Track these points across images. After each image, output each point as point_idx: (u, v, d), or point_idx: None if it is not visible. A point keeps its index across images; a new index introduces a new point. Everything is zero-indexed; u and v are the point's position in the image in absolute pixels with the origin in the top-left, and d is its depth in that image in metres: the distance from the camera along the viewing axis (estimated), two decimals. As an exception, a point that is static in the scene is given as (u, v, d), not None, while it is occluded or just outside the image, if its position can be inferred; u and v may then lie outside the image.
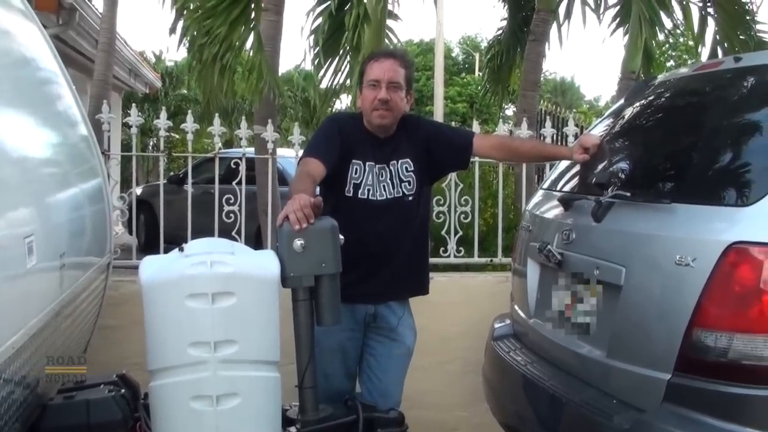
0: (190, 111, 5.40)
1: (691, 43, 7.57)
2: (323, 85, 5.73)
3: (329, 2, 5.61)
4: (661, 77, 3.28)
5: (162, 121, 4.76)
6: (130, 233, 7.59)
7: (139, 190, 11.82)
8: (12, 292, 2.05)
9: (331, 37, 5.55)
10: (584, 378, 2.70)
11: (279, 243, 2.70)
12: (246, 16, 5.32)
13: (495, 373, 3.31)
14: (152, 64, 19.95)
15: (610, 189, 2.68)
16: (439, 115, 18.87)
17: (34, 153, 2.68)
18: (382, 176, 3.22)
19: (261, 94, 5.23)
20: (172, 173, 11.68)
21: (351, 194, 3.19)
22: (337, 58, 5.57)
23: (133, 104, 5.90)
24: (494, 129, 5.84)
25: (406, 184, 3.25)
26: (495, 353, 3.31)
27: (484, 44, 25.90)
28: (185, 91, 22.30)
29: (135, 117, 4.71)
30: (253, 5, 5.38)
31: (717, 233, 2.25)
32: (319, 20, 5.73)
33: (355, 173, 3.19)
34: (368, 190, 3.21)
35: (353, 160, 3.19)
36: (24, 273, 2.11)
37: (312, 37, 5.73)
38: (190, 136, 4.92)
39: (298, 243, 2.64)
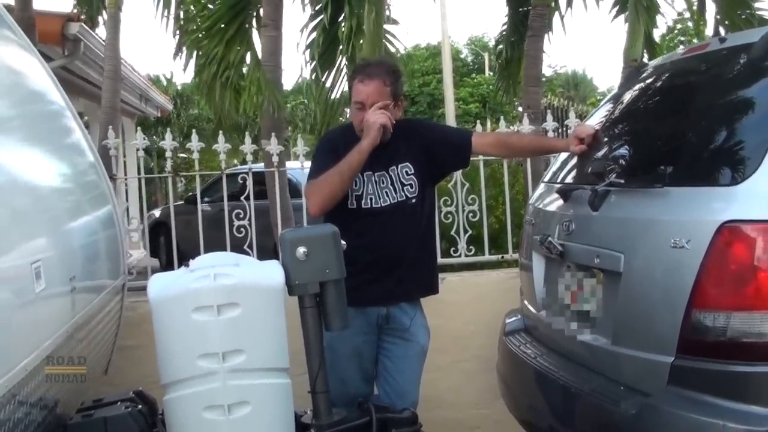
0: (194, 131, 5.48)
1: (690, 24, 7.54)
2: (322, 98, 5.78)
3: (322, 16, 5.67)
4: (652, 63, 3.30)
5: (168, 143, 4.83)
6: (152, 255, 7.70)
7: (157, 212, 11.95)
8: (22, 316, 2.11)
9: (326, 51, 5.61)
10: (592, 367, 2.72)
11: (282, 252, 2.75)
12: (241, 35, 5.40)
13: (508, 369, 3.33)
14: (164, 86, 20.14)
15: (605, 178, 2.71)
16: (451, 117, 18.92)
17: (40, 182, 2.75)
18: (382, 183, 3.27)
19: (261, 109, 5.30)
20: (190, 194, 11.79)
21: (354, 206, 3.26)
22: (334, 71, 5.63)
23: (138, 128, 5.99)
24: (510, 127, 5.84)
25: (408, 187, 3.30)
26: (507, 348, 3.34)
27: (491, 44, 25.91)
28: (197, 111, 22.50)
29: (141, 140, 4.79)
30: (247, 24, 5.45)
31: (709, 213, 2.27)
32: (314, 35, 5.80)
33: (355, 185, 3.25)
34: (370, 198, 3.27)
35: None
36: (33, 297, 2.18)
37: (308, 51, 5.80)
38: (195, 155, 4.99)
39: (300, 251, 2.69)
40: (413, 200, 3.30)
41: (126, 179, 4.73)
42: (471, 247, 4.79)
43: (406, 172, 3.30)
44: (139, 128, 5.68)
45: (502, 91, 8.68)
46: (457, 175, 4.72)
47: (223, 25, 5.24)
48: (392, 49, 7.09)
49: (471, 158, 3.47)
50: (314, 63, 5.63)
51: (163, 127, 20.04)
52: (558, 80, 32.73)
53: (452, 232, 4.80)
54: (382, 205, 3.27)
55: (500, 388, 3.44)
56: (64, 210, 2.86)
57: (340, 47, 5.34)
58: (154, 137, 17.42)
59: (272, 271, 2.62)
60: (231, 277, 2.40)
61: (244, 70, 5.66)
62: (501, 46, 8.44)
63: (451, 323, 4.61)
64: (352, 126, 3.35)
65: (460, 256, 4.78)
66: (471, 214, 4.78)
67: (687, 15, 7.77)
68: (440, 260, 4.78)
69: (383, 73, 3.28)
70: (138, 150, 4.89)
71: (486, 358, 4.18)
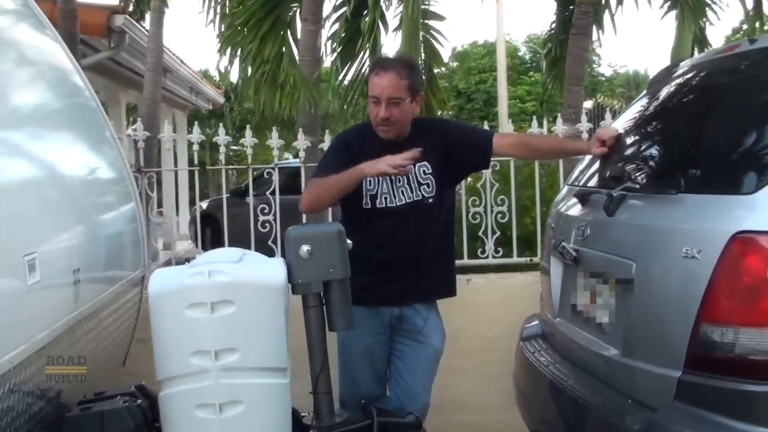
0: (248, 126, 5.49)
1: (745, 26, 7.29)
2: (342, 91, 5.74)
3: (345, 8, 5.60)
4: (683, 63, 3.17)
5: (222, 138, 4.84)
6: (197, 246, 7.76)
7: (205, 205, 12.08)
8: (10, 308, 2.10)
9: (349, 42, 5.55)
10: (603, 378, 2.62)
11: (286, 250, 2.71)
12: (276, 30, 5.37)
13: (522, 376, 3.25)
14: (216, 80, 20.34)
15: (622, 182, 2.61)
16: (504, 116, 18.72)
17: (47, 176, 2.76)
18: (398, 181, 3.22)
19: (297, 105, 5.27)
20: (235, 187, 11.89)
21: (369, 206, 3.22)
22: (356, 64, 5.57)
23: (195, 123, 6.02)
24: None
25: (425, 186, 3.24)
26: (522, 355, 3.25)
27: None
28: (250, 105, 22.65)
29: (196, 135, 4.81)
30: (282, 20, 5.43)
31: (721, 223, 2.16)
32: (336, 26, 5.74)
33: (369, 185, 3.20)
34: (385, 198, 3.22)
35: None
36: (24, 290, 2.17)
37: (329, 42, 5.75)
38: (249, 151, 4.98)
39: (304, 249, 2.65)
40: (430, 200, 3.24)
41: (153, 172, 4.72)
42: (499, 248, 4.69)
43: (424, 171, 3.24)
44: (195, 122, 5.71)
45: (551, 90, 8.53)
46: (487, 174, 4.64)
47: (257, 21, 5.22)
48: (436, 46, 7.03)
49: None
50: (335, 55, 5.58)
51: (217, 119, 20.28)
52: (618, 80, 32.13)
53: (480, 233, 4.71)
54: (397, 204, 3.22)
55: (515, 396, 3.36)
56: (71, 204, 2.86)
57: (361, 40, 5.28)
58: (208, 130, 17.63)
59: (273, 269, 2.58)
60: (226, 274, 2.37)
61: (283, 65, 5.64)
62: (549, 45, 8.28)
63: (476, 326, 4.53)
64: (369, 124, 3.30)
65: (487, 257, 4.69)
66: (500, 215, 4.68)
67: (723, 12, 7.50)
68: (467, 261, 4.68)
69: (399, 66, 3.22)
70: (193, 144, 4.90)
71: (510, 362, 4.08)
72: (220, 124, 6.09)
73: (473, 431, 4.51)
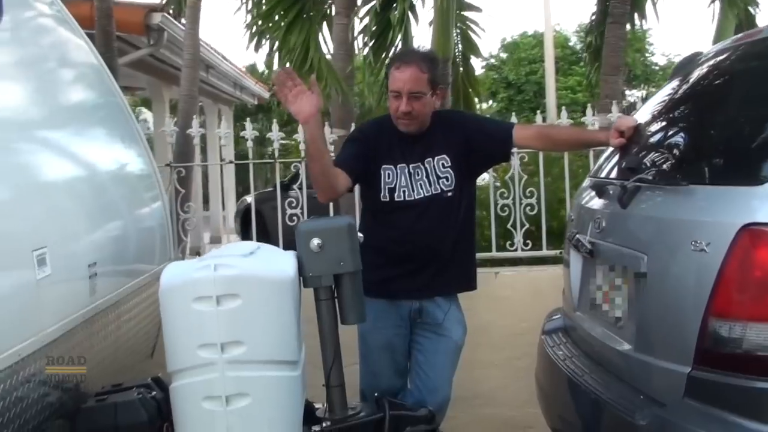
0: (275, 121, 5.53)
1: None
2: (376, 84, 5.73)
3: (374, 1, 5.58)
4: (706, 51, 3.09)
5: (275, 134, 4.88)
6: (242, 240, 7.86)
7: (249, 198, 12.21)
8: (16, 302, 2.15)
9: (380, 36, 5.53)
10: (616, 373, 2.58)
11: (297, 243, 2.73)
12: (301, 21, 5.38)
13: (541, 370, 3.21)
14: (262, 75, 20.45)
15: (637, 173, 2.56)
16: (551, 107, 18.50)
17: (65, 173, 2.81)
18: (417, 175, 3.21)
19: (326, 97, 5.27)
20: (278, 181, 11.97)
21: (387, 199, 3.21)
22: (389, 56, 5.55)
23: (248, 119, 6.06)
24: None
25: (444, 180, 3.22)
26: (541, 348, 3.22)
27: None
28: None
29: (249, 130, 4.86)
30: (306, 11, 5.43)
31: (730, 214, 2.10)
32: (366, 19, 5.73)
33: (388, 178, 3.20)
34: (403, 191, 3.21)
35: (383, 166, 3.20)
36: (33, 284, 2.22)
37: (361, 36, 5.74)
38: (302, 146, 5.00)
39: (315, 243, 2.67)
40: (449, 193, 3.22)
41: (182, 166, 4.77)
42: (528, 241, 4.64)
43: (443, 164, 3.23)
44: (248, 119, 5.76)
45: (593, 81, 8.42)
46: (515, 166, 4.58)
47: (284, 9, 5.24)
48: (472, 37, 6.99)
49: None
50: (367, 49, 5.57)
51: (264, 114, 20.42)
52: (669, 70, 31.49)
53: (509, 226, 4.67)
54: (416, 197, 3.21)
55: (536, 391, 3.32)
56: (88, 199, 2.91)
57: (391, 33, 5.25)
58: (254, 124, 17.73)
59: (282, 263, 2.59)
60: (232, 267, 2.38)
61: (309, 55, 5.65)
62: (590, 36, 8.17)
63: (505, 319, 4.50)
64: (388, 117, 3.29)
65: (516, 250, 4.65)
66: (529, 208, 4.63)
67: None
68: (495, 254, 4.65)
69: (419, 59, 3.20)
70: (248, 140, 4.94)
71: (538, 357, 4.06)
72: (275, 120, 6.12)
73: (502, 425, 4.48)
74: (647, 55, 29.63)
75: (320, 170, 3.00)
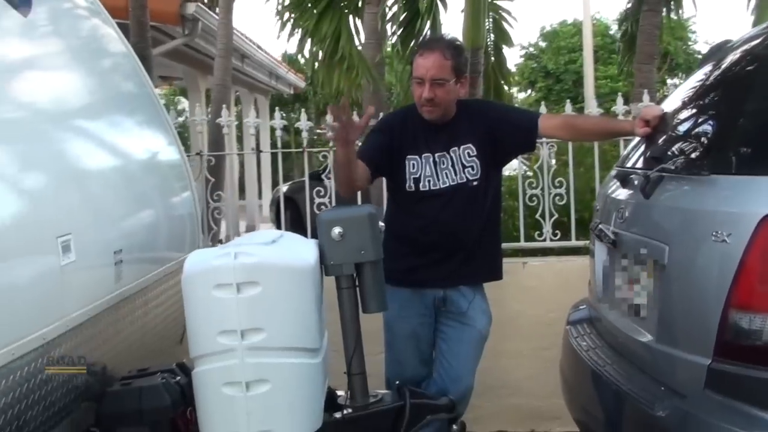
0: (303, 110, 5.55)
1: None
2: (405, 73, 5.72)
3: (403, -12, 5.58)
4: (736, 39, 3.04)
5: (303, 123, 4.91)
6: (278, 229, 7.90)
7: (285, 188, 12.27)
8: (40, 288, 2.20)
9: (409, 24, 5.51)
10: (638, 364, 2.57)
11: (319, 232, 2.75)
12: (333, 8, 5.38)
13: (564, 361, 3.20)
14: (302, 64, 20.51)
15: (661, 163, 2.54)
16: (590, 96, 18.27)
17: (88, 160, 2.86)
18: (442, 164, 3.21)
19: (357, 85, 5.28)
20: (313, 170, 12.02)
21: (413, 189, 3.22)
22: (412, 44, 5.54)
23: (276, 108, 6.09)
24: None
25: (470, 169, 3.22)
26: (566, 339, 3.20)
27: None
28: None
29: (279, 120, 4.89)
30: (343, 1, 5.44)
31: (751, 205, 2.07)
32: (395, 8, 5.71)
33: (413, 168, 3.21)
34: (429, 181, 3.21)
35: (408, 156, 3.22)
36: (57, 270, 2.26)
37: (389, 24, 5.72)
38: (305, 135, 5.04)
39: (336, 231, 2.69)
40: (474, 182, 3.22)
41: (213, 156, 4.81)
42: (557, 231, 4.61)
43: (468, 153, 3.22)
44: (276, 108, 5.79)
45: (625, 71, 8.32)
46: (544, 156, 4.55)
47: (313, 1, 5.25)
48: (505, 27, 6.94)
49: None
50: (395, 37, 5.56)
51: (301, 104, 20.52)
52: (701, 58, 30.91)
53: (537, 216, 4.64)
54: (441, 187, 3.21)
55: (561, 382, 3.31)
56: (115, 187, 2.96)
57: (419, 21, 5.24)
58: (291, 114, 17.86)
59: (304, 252, 2.61)
60: (252, 256, 2.41)
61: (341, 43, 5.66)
62: (625, 24, 8.07)
63: (532, 309, 4.47)
64: (413, 107, 3.30)
65: (545, 240, 4.62)
66: (558, 198, 4.59)
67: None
68: (524, 244, 4.62)
69: (443, 46, 3.20)
70: (276, 129, 4.97)
71: (566, 347, 4.04)
72: (302, 110, 6.15)
73: (529, 415, 4.47)
74: (689, 43, 29.12)
75: (345, 175, 3.06)
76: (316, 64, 5.87)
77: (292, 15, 5.63)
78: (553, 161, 5.08)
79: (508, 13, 6.91)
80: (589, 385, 2.82)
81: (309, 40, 5.45)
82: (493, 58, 6.57)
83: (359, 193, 4.64)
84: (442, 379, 3.30)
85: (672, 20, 8.46)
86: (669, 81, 25.86)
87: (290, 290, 2.45)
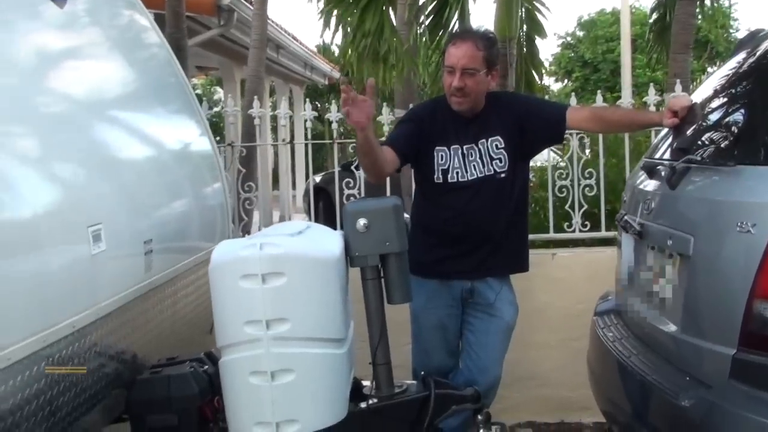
0: (333, 101, 5.55)
1: None
2: (432, 63, 5.71)
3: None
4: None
5: (333, 114, 4.94)
6: (310, 220, 7.97)
7: (318, 178, 12.34)
8: (71, 276, 2.25)
9: (437, 14, 5.49)
10: (664, 354, 2.56)
11: (344, 223, 2.77)
12: (376, 2, 5.38)
13: (591, 352, 3.19)
14: (335, 56, 20.56)
15: (688, 154, 2.52)
16: (627, 85, 18.07)
17: (120, 152, 2.91)
18: (471, 156, 3.21)
19: (401, 77, 5.28)
20: (346, 161, 12.06)
21: (441, 180, 3.23)
22: (445, 35, 5.51)
23: (306, 99, 6.11)
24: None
25: (497, 161, 3.22)
26: (593, 330, 3.20)
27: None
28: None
29: (309, 111, 4.92)
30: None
31: (777, 196, 2.06)
32: None
33: (441, 159, 3.22)
34: (457, 172, 3.22)
35: (437, 147, 3.22)
36: (88, 258, 2.31)
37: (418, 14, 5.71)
38: (335, 126, 5.05)
39: (361, 223, 2.70)
40: (502, 174, 3.22)
41: (244, 146, 4.84)
42: (587, 222, 4.59)
43: (496, 145, 3.22)
44: (307, 99, 5.83)
45: (655, 60, 8.19)
46: (574, 147, 4.52)
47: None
48: (539, 18, 6.88)
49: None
50: (423, 27, 5.54)
51: (335, 94, 20.54)
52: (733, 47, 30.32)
53: (567, 207, 4.62)
54: (469, 179, 3.22)
55: (588, 373, 3.30)
56: (146, 178, 3.00)
57: (448, 11, 5.21)
58: (326, 104, 17.87)
59: (328, 243, 2.64)
60: (278, 246, 2.43)
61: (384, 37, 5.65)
62: (656, 14, 7.95)
63: (561, 300, 4.46)
64: (442, 98, 3.31)
65: (574, 231, 4.60)
66: (587, 189, 4.57)
67: None
68: (553, 235, 4.61)
69: (477, 37, 3.21)
70: (306, 120, 5.01)
71: (594, 338, 4.02)
72: (333, 101, 6.18)
73: (557, 406, 4.47)
74: (731, 30, 28.61)
75: (370, 161, 3.03)
76: (353, 57, 5.89)
77: (335, 11, 5.64)
78: (587, 152, 5.05)
79: (542, 3, 6.84)
80: (615, 375, 2.82)
81: (352, 36, 5.46)
82: (525, 50, 6.53)
83: (388, 185, 4.67)
84: (469, 370, 3.31)
85: (713, 7, 8.30)
86: (709, 69, 25.43)
87: (315, 281, 2.47)
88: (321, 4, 6.24)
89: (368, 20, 5.69)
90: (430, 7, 5.63)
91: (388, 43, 5.67)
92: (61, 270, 2.21)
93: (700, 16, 7.68)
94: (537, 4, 6.85)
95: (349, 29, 5.95)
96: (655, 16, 8.19)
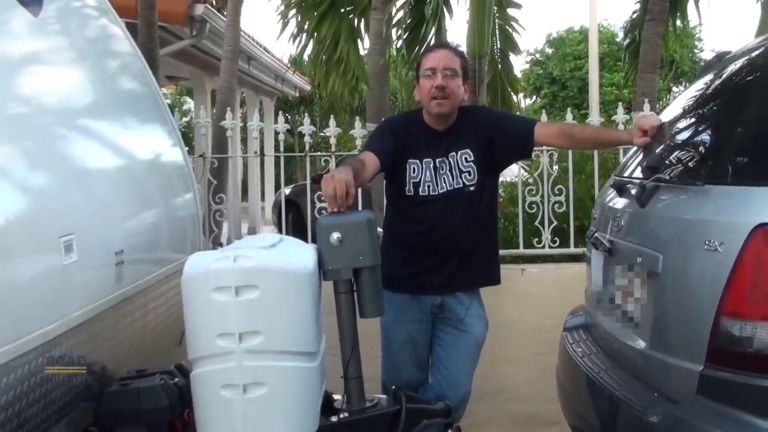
0: (332, 116, 5.58)
1: None
2: (409, 78, 5.75)
3: (409, -7, 5.62)
4: (735, 50, 3.07)
5: (306, 127, 4.94)
6: (279, 232, 7.96)
7: (287, 191, 12.34)
8: (42, 286, 2.23)
9: (414, 29, 5.55)
10: (632, 370, 2.59)
11: (318, 237, 2.77)
12: (335, 9, 5.42)
13: (560, 367, 3.22)
14: (307, 68, 20.57)
15: (657, 172, 2.57)
16: (594, 103, 18.32)
17: (91, 162, 2.89)
18: (442, 169, 3.24)
19: (352, 87, 5.33)
20: (315, 174, 12.08)
21: (412, 193, 3.25)
22: (422, 50, 5.57)
23: (280, 112, 6.12)
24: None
25: (466, 174, 3.25)
26: (562, 345, 3.23)
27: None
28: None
29: (282, 124, 4.93)
30: (348, 5, 5.48)
31: (743, 214, 2.11)
32: (401, 13, 5.77)
33: (413, 172, 3.24)
34: (428, 186, 3.24)
35: (409, 160, 3.24)
36: (59, 269, 2.29)
37: (395, 29, 5.77)
38: (332, 140, 5.06)
39: (334, 236, 2.70)
40: (471, 188, 3.25)
41: (215, 158, 4.83)
42: (556, 239, 4.64)
43: (465, 158, 3.25)
44: (280, 112, 5.84)
45: (631, 79, 8.33)
46: (544, 163, 4.58)
47: (316, 1, 5.30)
48: (513, 34, 6.96)
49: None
50: (400, 42, 5.61)
51: (306, 107, 20.54)
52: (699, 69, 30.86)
53: (536, 223, 4.67)
54: (439, 192, 3.24)
55: (557, 388, 3.33)
56: (117, 188, 2.99)
57: (425, 27, 5.27)
58: (297, 116, 17.89)
59: (302, 256, 2.64)
60: (251, 259, 2.43)
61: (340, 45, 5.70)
62: (630, 35, 8.10)
63: (530, 316, 4.51)
64: (417, 112, 3.34)
65: (543, 247, 4.65)
66: (557, 205, 4.62)
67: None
68: (523, 251, 4.66)
69: (453, 46, 3.38)
70: (278, 133, 5.01)
71: (563, 354, 4.06)
72: (306, 114, 6.19)
73: (527, 420, 4.49)
74: (696, 51, 29.08)
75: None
76: (310, 64, 5.93)
77: (295, 15, 5.69)
78: (555, 167, 5.11)
79: (516, 20, 6.94)
80: (584, 391, 2.85)
81: (310, 41, 5.50)
82: (500, 66, 6.60)
83: (360, 199, 4.68)
84: (439, 385, 3.32)
85: (678, 29, 8.47)
86: (674, 89, 25.82)
87: (288, 294, 2.47)
88: (282, 8, 6.28)
89: (325, 26, 5.72)
90: (407, 22, 5.68)
91: (342, 51, 5.70)
92: (32, 280, 2.19)
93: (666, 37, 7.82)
94: (510, 20, 6.94)
95: (304, 35, 5.97)
96: (629, 37, 8.30)
